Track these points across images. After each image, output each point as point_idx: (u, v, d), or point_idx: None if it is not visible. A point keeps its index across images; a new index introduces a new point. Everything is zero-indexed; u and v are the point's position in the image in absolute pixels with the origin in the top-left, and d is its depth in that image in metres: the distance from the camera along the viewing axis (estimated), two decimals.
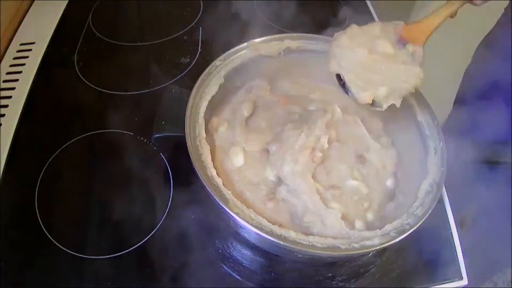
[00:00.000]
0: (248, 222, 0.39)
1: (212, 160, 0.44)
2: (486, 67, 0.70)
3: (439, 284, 0.48)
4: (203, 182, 0.41)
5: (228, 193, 0.41)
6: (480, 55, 0.74)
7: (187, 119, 0.46)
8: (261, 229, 0.39)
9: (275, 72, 0.58)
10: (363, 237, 0.41)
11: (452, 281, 0.49)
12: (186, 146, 0.44)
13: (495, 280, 1.19)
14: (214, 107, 0.52)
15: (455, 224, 0.52)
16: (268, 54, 0.55)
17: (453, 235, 0.51)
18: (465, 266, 0.49)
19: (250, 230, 0.39)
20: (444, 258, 0.50)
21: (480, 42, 0.74)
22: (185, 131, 0.45)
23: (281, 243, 0.38)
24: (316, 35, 0.57)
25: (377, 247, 0.39)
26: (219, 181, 0.43)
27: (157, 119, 0.48)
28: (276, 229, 0.40)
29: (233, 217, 0.39)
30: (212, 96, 0.50)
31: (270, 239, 0.38)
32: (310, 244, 0.39)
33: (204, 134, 0.46)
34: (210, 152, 0.45)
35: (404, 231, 0.40)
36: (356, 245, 0.40)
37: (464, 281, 0.49)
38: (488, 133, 0.59)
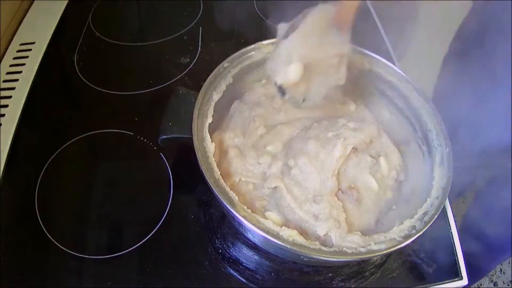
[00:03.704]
0: (255, 225, 0.39)
1: (218, 162, 0.44)
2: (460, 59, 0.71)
3: (439, 284, 0.48)
4: (210, 184, 0.41)
5: (234, 197, 0.41)
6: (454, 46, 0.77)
7: (194, 121, 0.45)
8: (267, 232, 0.39)
9: None
10: (368, 241, 0.41)
11: (452, 281, 0.49)
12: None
13: (495, 280, 1.19)
14: (221, 108, 0.52)
15: (455, 224, 0.52)
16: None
17: (453, 235, 0.51)
18: (465, 265, 0.50)
19: (256, 233, 0.39)
20: (444, 258, 0.50)
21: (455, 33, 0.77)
22: (192, 133, 0.44)
23: (288, 246, 0.38)
24: None
25: (383, 252, 0.39)
26: (225, 184, 0.42)
27: (164, 121, 0.47)
28: (283, 232, 0.39)
29: (240, 220, 0.39)
30: (219, 98, 0.50)
31: (277, 243, 0.38)
32: (317, 248, 0.39)
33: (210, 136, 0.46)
34: (217, 154, 0.45)
35: (410, 236, 0.40)
36: (362, 250, 0.40)
37: (464, 281, 0.49)
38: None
